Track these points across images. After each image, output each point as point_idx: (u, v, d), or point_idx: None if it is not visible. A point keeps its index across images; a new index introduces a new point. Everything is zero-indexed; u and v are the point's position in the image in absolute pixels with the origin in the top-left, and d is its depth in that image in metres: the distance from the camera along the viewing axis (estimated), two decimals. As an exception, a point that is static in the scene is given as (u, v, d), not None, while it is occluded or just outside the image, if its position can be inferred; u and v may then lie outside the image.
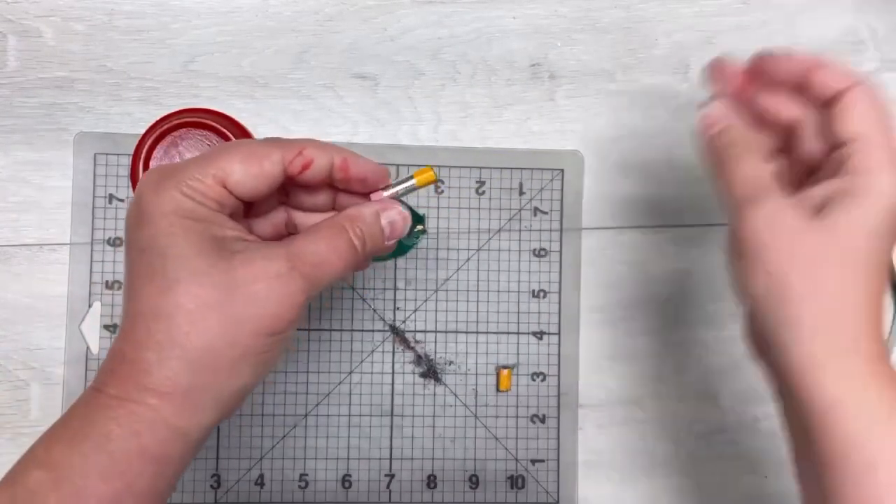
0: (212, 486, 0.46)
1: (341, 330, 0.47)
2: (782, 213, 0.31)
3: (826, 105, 0.32)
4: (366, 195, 0.34)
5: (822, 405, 0.29)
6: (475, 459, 0.48)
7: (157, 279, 0.28)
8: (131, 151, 0.45)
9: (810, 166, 0.34)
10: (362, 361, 0.47)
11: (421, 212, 0.47)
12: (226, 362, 0.28)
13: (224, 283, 0.28)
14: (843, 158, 0.31)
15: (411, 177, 0.35)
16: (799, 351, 0.29)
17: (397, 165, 0.48)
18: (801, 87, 0.33)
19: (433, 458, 0.47)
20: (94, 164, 0.46)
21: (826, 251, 0.30)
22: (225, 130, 0.45)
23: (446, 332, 0.48)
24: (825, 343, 0.29)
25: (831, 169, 0.32)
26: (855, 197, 0.30)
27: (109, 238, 0.46)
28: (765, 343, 0.32)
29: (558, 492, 0.48)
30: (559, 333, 0.48)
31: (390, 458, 0.47)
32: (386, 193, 0.34)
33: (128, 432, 0.27)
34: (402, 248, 0.47)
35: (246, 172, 0.29)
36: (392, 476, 0.47)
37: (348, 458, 0.47)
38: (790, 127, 0.34)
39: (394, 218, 0.33)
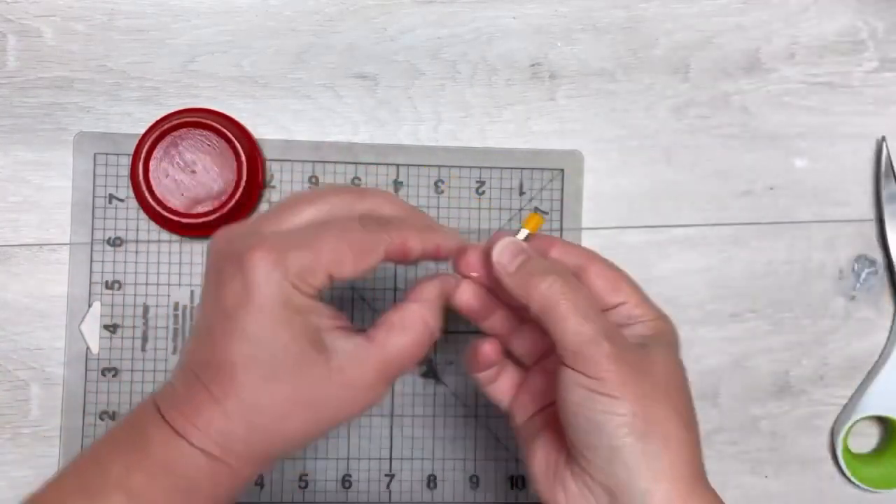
0: (212, 486, 0.46)
1: (341, 330, 0.47)
2: (633, 341, 0.34)
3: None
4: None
5: None
6: (475, 459, 0.48)
7: (261, 367, 0.30)
8: (131, 151, 0.45)
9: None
10: (362, 361, 0.47)
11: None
12: (299, 442, 0.31)
13: (319, 383, 0.30)
14: (622, 316, 0.35)
15: (521, 228, 0.36)
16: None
17: (397, 165, 0.48)
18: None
19: (433, 458, 0.47)
20: (94, 164, 0.46)
21: (655, 385, 0.32)
22: (225, 130, 0.45)
23: (446, 332, 0.48)
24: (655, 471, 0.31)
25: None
26: (663, 335, 0.34)
27: (109, 238, 0.46)
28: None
29: (558, 492, 0.48)
30: (559, 333, 0.48)
31: (390, 458, 0.47)
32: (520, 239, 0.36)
33: (209, 485, 0.30)
34: None
35: (355, 270, 0.31)
36: (392, 476, 0.47)
37: (348, 458, 0.47)
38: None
39: (455, 292, 0.36)
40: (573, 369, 0.31)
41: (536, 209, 0.36)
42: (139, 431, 0.30)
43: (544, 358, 0.37)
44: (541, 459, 0.35)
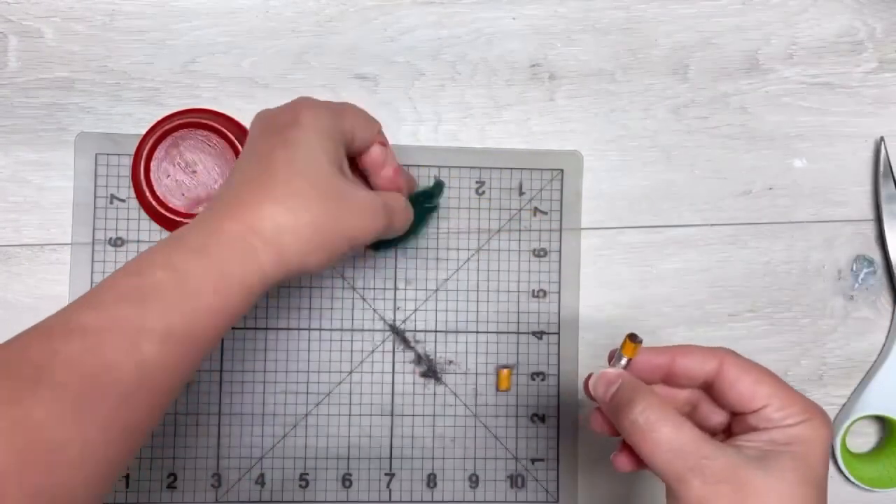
0: (212, 485, 0.46)
1: (342, 330, 0.47)
2: (733, 463, 0.31)
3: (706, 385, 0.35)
4: None
5: None
6: (475, 459, 0.48)
7: (297, 163, 0.35)
8: (132, 152, 0.46)
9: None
10: (362, 361, 0.47)
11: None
12: (315, 243, 0.35)
13: (340, 190, 0.36)
14: (760, 419, 0.32)
15: (622, 355, 0.35)
16: None
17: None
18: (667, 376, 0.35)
19: (433, 458, 0.48)
20: (95, 165, 0.46)
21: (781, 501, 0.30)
22: (226, 131, 0.45)
23: (446, 331, 0.48)
24: None
25: (745, 428, 0.33)
26: (800, 444, 0.32)
27: (110, 238, 0.46)
28: None
29: (558, 491, 0.48)
30: (559, 333, 0.48)
31: (390, 458, 0.47)
32: (613, 369, 0.35)
33: (240, 270, 0.33)
34: (419, 218, 0.46)
35: (363, 138, 0.40)
36: (392, 476, 0.47)
37: (348, 458, 0.47)
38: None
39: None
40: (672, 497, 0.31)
41: (632, 336, 0.35)
42: (178, 233, 0.35)
43: None
44: None
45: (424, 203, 0.46)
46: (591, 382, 0.35)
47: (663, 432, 0.31)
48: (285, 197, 0.34)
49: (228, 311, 0.33)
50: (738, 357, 0.34)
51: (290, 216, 0.34)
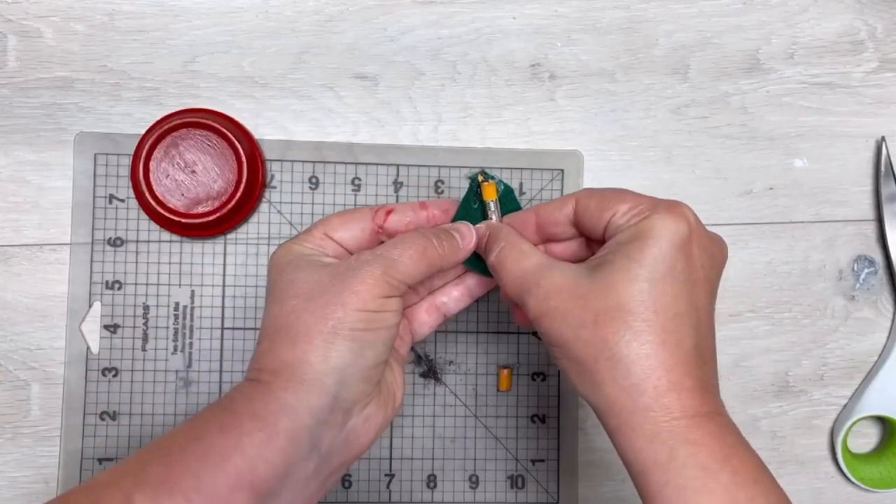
0: (212, 486, 0.46)
1: (341, 330, 0.47)
2: (563, 281, 0.33)
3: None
4: None
5: (633, 469, 0.31)
6: (475, 459, 0.48)
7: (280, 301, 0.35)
8: (131, 152, 0.45)
9: None
10: (362, 361, 0.47)
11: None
12: (321, 337, 0.32)
13: (324, 277, 0.34)
14: (609, 230, 0.34)
15: (489, 202, 0.40)
16: (607, 419, 0.32)
17: (397, 165, 0.48)
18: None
19: (433, 458, 0.47)
20: (95, 165, 0.46)
21: (607, 308, 0.31)
22: (225, 131, 0.45)
23: (446, 331, 0.48)
24: (625, 407, 0.31)
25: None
26: (633, 242, 0.32)
27: (110, 238, 0.46)
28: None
29: (558, 492, 0.48)
30: (559, 333, 0.48)
31: (390, 458, 0.47)
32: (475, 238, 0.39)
33: (245, 397, 0.32)
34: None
35: (343, 225, 0.37)
36: (392, 476, 0.47)
37: (348, 458, 0.47)
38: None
39: (460, 227, 0.39)
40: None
41: (483, 174, 0.39)
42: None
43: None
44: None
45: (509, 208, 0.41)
46: (466, 238, 0.38)
47: (508, 262, 0.35)
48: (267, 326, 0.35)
49: (247, 449, 0.32)
50: (592, 189, 0.36)
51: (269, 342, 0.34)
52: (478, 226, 0.39)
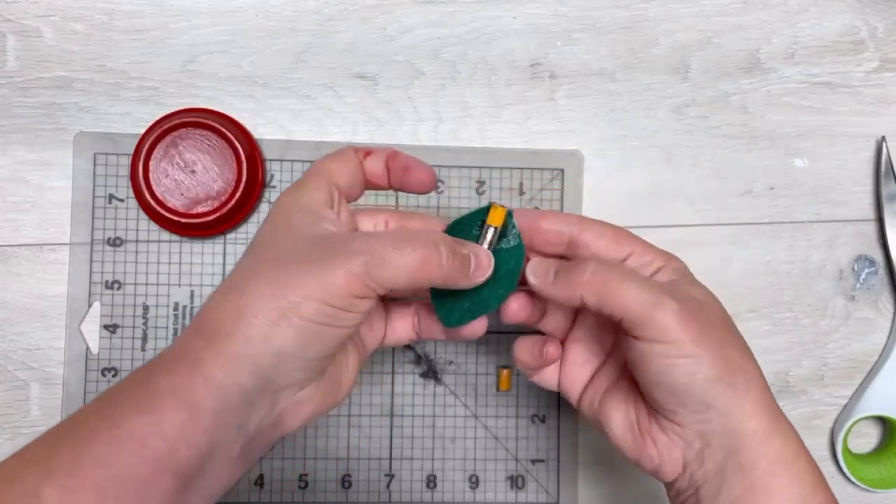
0: (212, 486, 0.46)
1: (341, 330, 0.47)
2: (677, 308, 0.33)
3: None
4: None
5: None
6: (475, 459, 0.48)
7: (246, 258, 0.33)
8: (131, 151, 0.45)
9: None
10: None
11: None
12: (270, 314, 0.30)
13: (309, 248, 0.32)
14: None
15: (489, 227, 0.35)
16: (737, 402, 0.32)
17: (397, 165, 0.48)
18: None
19: (433, 458, 0.47)
20: (94, 164, 0.46)
21: (714, 322, 0.33)
22: (225, 130, 0.45)
23: (446, 332, 0.48)
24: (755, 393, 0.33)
25: None
26: (686, 276, 0.36)
27: (109, 238, 0.46)
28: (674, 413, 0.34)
29: (558, 492, 0.48)
30: (559, 333, 0.48)
31: (390, 458, 0.47)
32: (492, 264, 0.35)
33: (167, 371, 0.30)
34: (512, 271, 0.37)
35: (342, 172, 0.35)
36: (392, 476, 0.47)
37: (348, 458, 0.47)
38: None
39: (478, 252, 0.35)
40: (646, 340, 0.32)
41: (493, 203, 0.36)
42: None
43: (572, 331, 0.39)
44: (620, 425, 0.35)
45: (501, 246, 0.36)
46: (530, 275, 0.35)
47: (623, 270, 0.33)
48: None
49: (166, 424, 0.29)
50: (594, 220, 0.36)
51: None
52: (542, 260, 0.35)
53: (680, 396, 0.32)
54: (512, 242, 0.36)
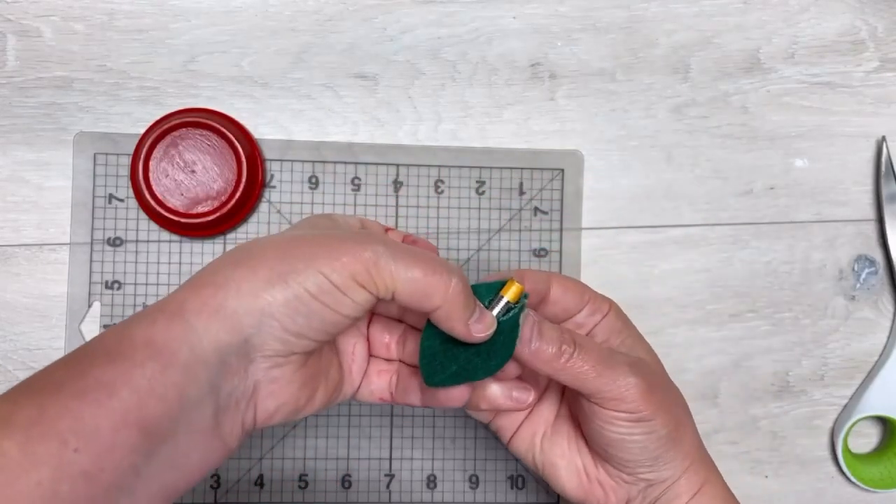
0: (212, 486, 0.46)
1: (341, 330, 0.47)
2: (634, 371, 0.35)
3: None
4: None
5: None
6: (475, 459, 0.48)
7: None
8: (131, 151, 0.45)
9: None
10: (362, 361, 0.47)
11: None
12: (267, 273, 0.30)
13: (325, 229, 0.34)
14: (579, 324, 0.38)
15: (501, 296, 0.34)
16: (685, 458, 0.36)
17: (397, 165, 0.48)
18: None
19: (433, 458, 0.47)
20: (94, 164, 0.46)
21: (660, 384, 0.36)
22: (225, 130, 0.45)
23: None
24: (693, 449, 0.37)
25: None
26: (627, 326, 0.39)
27: (109, 238, 0.46)
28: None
29: (558, 492, 0.48)
30: (559, 333, 0.48)
31: (390, 458, 0.47)
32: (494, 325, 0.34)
33: (148, 320, 0.29)
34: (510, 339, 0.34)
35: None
36: (392, 476, 0.47)
37: (348, 458, 0.47)
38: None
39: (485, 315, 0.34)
40: (606, 408, 0.34)
41: (513, 279, 0.34)
42: None
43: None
44: (566, 472, 0.37)
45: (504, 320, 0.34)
46: (536, 347, 0.34)
47: (596, 353, 0.34)
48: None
49: (136, 376, 0.28)
50: (558, 276, 0.38)
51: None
52: (550, 331, 0.34)
53: (634, 454, 0.35)
54: (514, 321, 0.34)
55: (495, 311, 0.33)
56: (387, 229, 0.39)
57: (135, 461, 0.27)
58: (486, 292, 0.34)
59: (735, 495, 0.37)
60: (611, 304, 0.39)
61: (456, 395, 0.34)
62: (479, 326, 0.32)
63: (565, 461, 0.37)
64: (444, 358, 0.33)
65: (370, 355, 0.37)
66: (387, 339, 0.37)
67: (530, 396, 0.36)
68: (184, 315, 0.29)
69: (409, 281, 0.30)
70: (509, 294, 0.34)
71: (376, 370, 0.37)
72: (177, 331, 0.28)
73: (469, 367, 0.33)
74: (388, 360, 0.37)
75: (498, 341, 0.33)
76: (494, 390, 0.36)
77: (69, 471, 0.25)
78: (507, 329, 0.33)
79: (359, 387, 0.36)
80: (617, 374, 0.34)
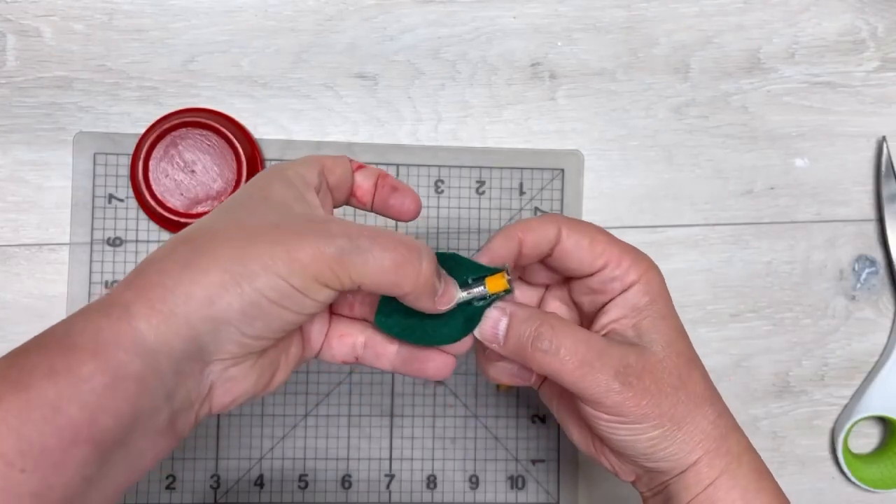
0: (212, 486, 0.46)
1: (341, 330, 0.47)
2: (634, 363, 0.33)
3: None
4: None
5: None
6: (475, 459, 0.48)
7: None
8: (131, 151, 0.45)
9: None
10: (362, 361, 0.47)
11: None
12: (221, 276, 0.27)
13: (280, 220, 0.29)
14: (597, 281, 0.34)
15: (484, 285, 0.33)
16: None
17: (397, 165, 0.48)
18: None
19: (433, 459, 0.47)
20: (94, 164, 0.46)
21: (665, 379, 0.33)
22: (225, 130, 0.45)
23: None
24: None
25: (585, 290, 0.35)
26: (651, 304, 0.34)
27: (109, 238, 0.46)
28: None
29: (558, 492, 0.48)
30: (559, 333, 0.48)
31: (390, 459, 0.47)
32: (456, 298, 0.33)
33: (93, 325, 0.27)
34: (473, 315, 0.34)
35: (334, 168, 0.34)
36: (392, 476, 0.47)
37: (348, 459, 0.47)
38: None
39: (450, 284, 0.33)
40: (593, 409, 0.33)
41: (505, 269, 0.33)
42: None
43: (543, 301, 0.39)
44: (577, 436, 0.37)
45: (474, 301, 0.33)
46: (478, 334, 0.33)
47: (575, 345, 0.32)
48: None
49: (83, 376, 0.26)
50: (568, 220, 0.35)
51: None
52: (496, 314, 0.33)
53: (623, 448, 0.34)
54: (480, 311, 0.33)
55: (467, 294, 0.33)
56: (357, 167, 0.35)
57: (87, 473, 0.25)
58: (470, 269, 0.33)
59: (770, 483, 0.35)
60: (642, 273, 0.34)
61: (432, 368, 0.34)
62: (444, 299, 0.32)
63: (577, 429, 0.36)
64: (404, 309, 0.32)
65: (332, 313, 0.35)
66: (350, 297, 0.35)
67: (531, 378, 0.36)
68: (132, 321, 0.26)
69: (377, 274, 0.29)
70: (491, 286, 0.33)
71: (337, 334, 0.35)
72: (126, 340, 0.26)
73: (420, 329, 0.33)
74: (350, 318, 0.35)
75: (458, 319, 0.33)
76: (499, 366, 0.36)
77: (16, 492, 0.24)
78: (471, 314, 0.33)
79: (320, 349, 0.35)
80: (598, 380, 0.32)
